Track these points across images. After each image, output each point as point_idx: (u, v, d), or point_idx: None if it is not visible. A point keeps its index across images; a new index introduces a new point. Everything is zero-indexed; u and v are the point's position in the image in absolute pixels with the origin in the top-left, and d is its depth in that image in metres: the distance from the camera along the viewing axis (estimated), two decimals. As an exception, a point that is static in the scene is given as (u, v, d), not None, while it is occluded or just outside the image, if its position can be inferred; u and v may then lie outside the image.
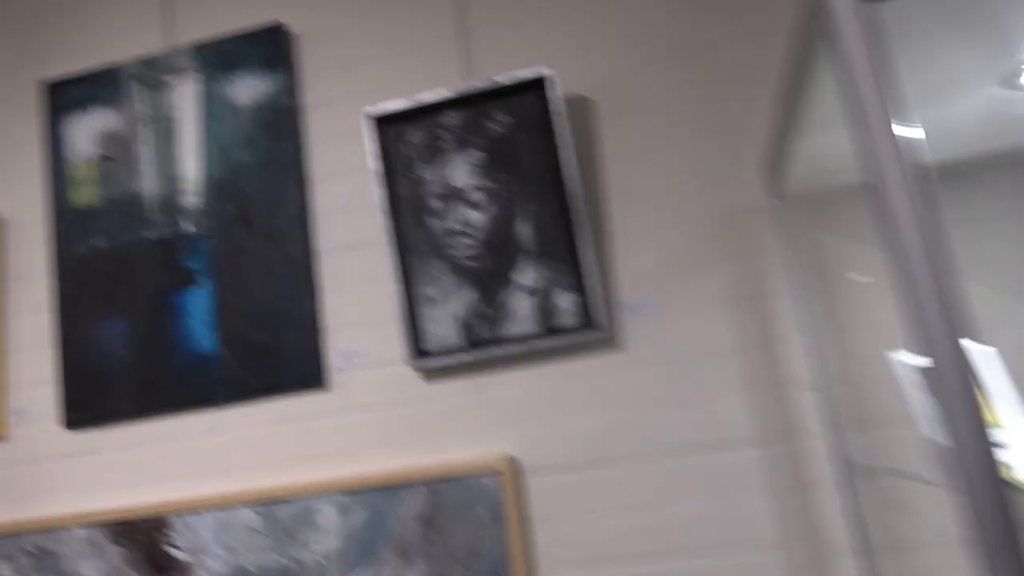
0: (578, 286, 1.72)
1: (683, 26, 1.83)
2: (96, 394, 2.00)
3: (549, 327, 1.73)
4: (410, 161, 1.84)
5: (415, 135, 1.84)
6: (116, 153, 2.09)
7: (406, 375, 1.84)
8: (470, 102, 1.81)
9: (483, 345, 1.77)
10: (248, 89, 2.02)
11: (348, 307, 1.91)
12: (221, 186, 2.00)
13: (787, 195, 1.58)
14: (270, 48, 2.02)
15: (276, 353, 1.90)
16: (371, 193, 1.92)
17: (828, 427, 1.57)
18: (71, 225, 2.09)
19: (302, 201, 1.95)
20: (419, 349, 1.81)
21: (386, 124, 1.86)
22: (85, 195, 2.09)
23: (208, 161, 2.02)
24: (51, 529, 2.00)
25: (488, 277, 1.77)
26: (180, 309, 1.98)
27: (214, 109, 2.04)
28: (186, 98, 2.06)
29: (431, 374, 1.83)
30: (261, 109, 2.00)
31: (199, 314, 1.96)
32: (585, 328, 1.72)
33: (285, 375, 1.89)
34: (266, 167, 1.97)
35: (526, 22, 1.92)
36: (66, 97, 2.15)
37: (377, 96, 1.98)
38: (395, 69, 1.99)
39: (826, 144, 1.28)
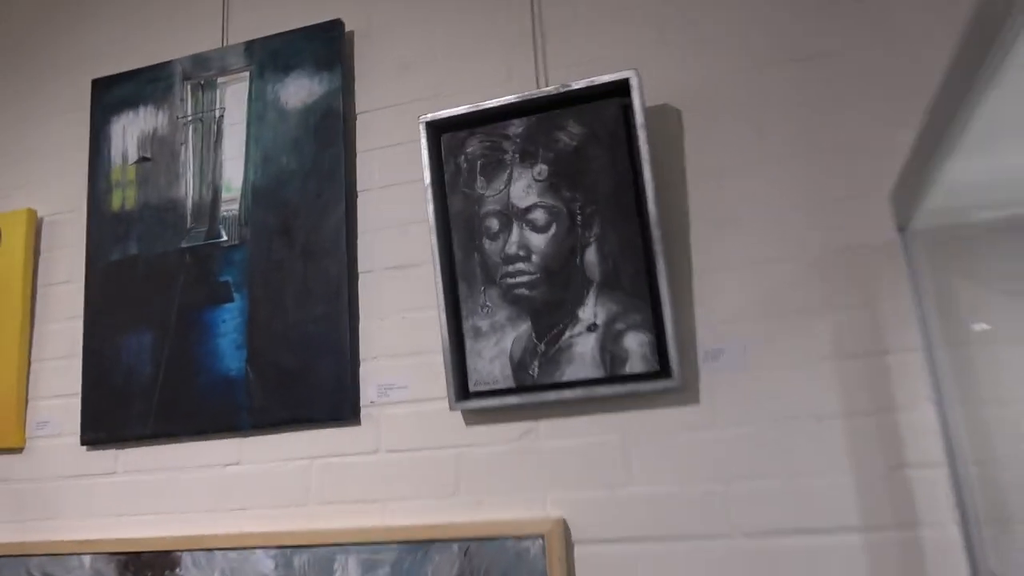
0: (651, 325, 1.47)
1: (790, 27, 1.58)
2: (116, 412, 1.84)
3: (614, 371, 1.48)
4: (467, 174, 1.63)
5: (475, 146, 1.63)
6: (157, 155, 1.96)
7: (446, 415, 1.61)
8: (539, 109, 1.60)
9: (536, 388, 1.53)
10: (299, 90, 1.86)
11: (388, 335, 1.71)
12: (263, 194, 1.83)
13: (921, 229, 1.30)
14: (326, 47, 1.86)
15: (306, 381, 1.70)
16: (421, 209, 1.72)
17: (959, 519, 1.27)
18: (106, 229, 1.96)
19: (346, 215, 1.76)
20: (463, 387, 1.58)
21: (443, 132, 1.66)
22: (122, 198, 1.96)
23: (251, 167, 1.86)
24: (58, 554, 1.84)
25: (547, 310, 1.54)
26: (210, 326, 1.81)
27: (261, 111, 1.88)
28: (234, 99, 1.92)
29: (475, 416, 1.60)
30: (310, 112, 1.84)
31: (229, 332, 1.79)
32: (657, 375, 1.46)
33: (314, 405, 1.69)
34: (311, 176, 1.80)
35: (604, 23, 1.70)
36: (113, 95, 2.04)
37: (437, 102, 1.78)
38: (458, 73, 1.79)
39: (980, 170, 1.00)
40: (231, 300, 1.80)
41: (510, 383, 1.54)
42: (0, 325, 1.99)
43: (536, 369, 1.53)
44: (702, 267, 1.53)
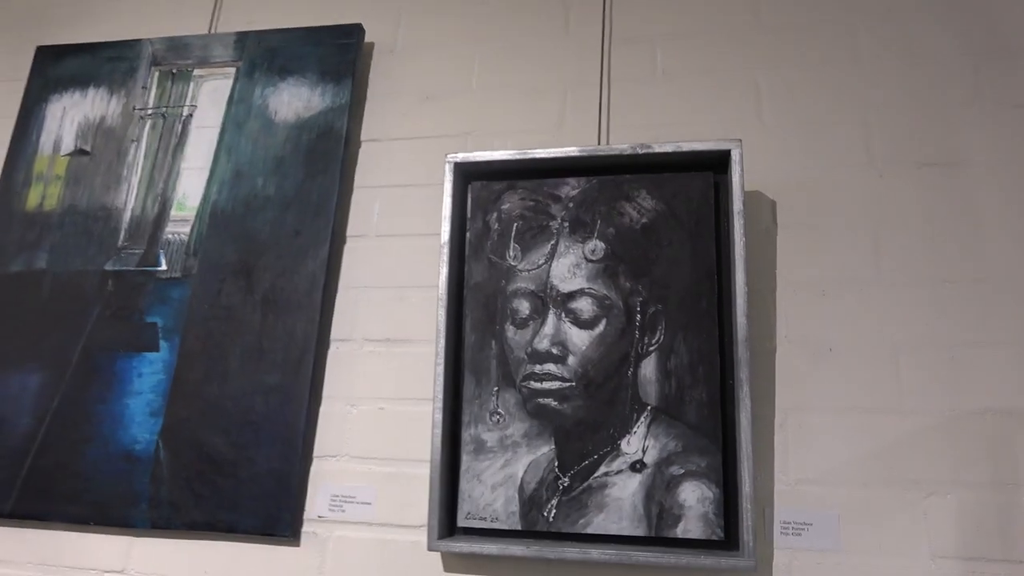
0: (720, 477, 1.09)
1: (918, 126, 1.27)
2: (-30, 474, 1.36)
3: (661, 531, 1.08)
4: (498, 238, 1.25)
5: (513, 202, 1.26)
6: (98, 149, 1.54)
7: (421, 554, 1.19)
8: (603, 170, 1.24)
9: (551, 537, 1.13)
10: (294, 100, 1.48)
11: (357, 428, 1.29)
12: (225, 220, 1.42)
13: None
14: (338, 54, 1.49)
15: (236, 474, 1.26)
16: (429, 271, 1.33)
17: None
18: (12, 231, 1.51)
19: (328, 263, 1.36)
20: (450, 519, 1.16)
21: (473, 179, 1.29)
22: (42, 196, 1.53)
23: (216, 183, 1.45)
24: None
25: (579, 432, 1.15)
26: (121, 379, 1.36)
27: (242, 117, 1.49)
28: (210, 97, 1.52)
29: (460, 562, 1.17)
30: (304, 129, 1.45)
31: (144, 391, 1.35)
32: (720, 546, 1.07)
33: (242, 510, 1.24)
34: (292, 207, 1.40)
35: (690, 83, 1.37)
36: (59, 67, 1.63)
37: (465, 143, 1.42)
38: (497, 112, 1.44)
39: None
40: (155, 349, 1.37)
41: (516, 523, 1.13)
42: None
43: (553, 511, 1.12)
44: (788, 406, 1.16)
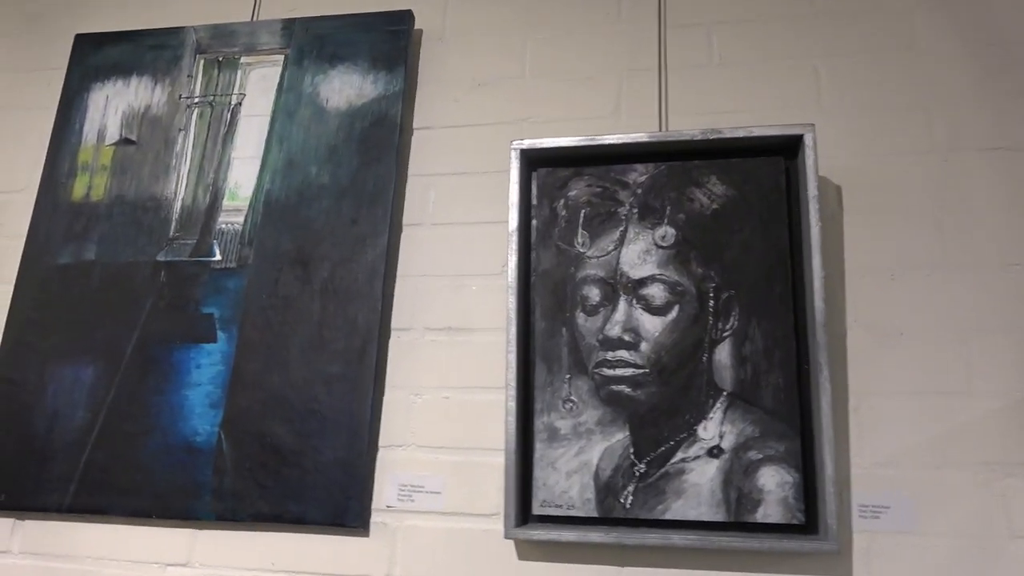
0: (799, 461, 1.09)
1: (980, 112, 1.27)
2: (24, 468, 1.35)
3: (741, 516, 1.08)
4: (566, 225, 1.24)
5: (580, 189, 1.25)
6: (145, 139, 1.52)
7: (495, 542, 1.18)
8: (670, 156, 1.24)
9: (628, 523, 1.12)
10: (345, 88, 1.46)
11: (422, 417, 1.28)
12: (279, 209, 1.41)
13: None
14: (388, 41, 1.48)
15: (301, 464, 1.25)
16: (488, 258, 1.33)
17: None
18: (58, 222, 1.49)
19: (388, 252, 1.35)
20: (525, 507, 1.16)
21: (538, 167, 1.28)
22: (88, 186, 1.51)
23: (269, 172, 1.44)
24: (-98, 660, 1.31)
25: (654, 418, 1.15)
26: (179, 370, 1.35)
27: (292, 105, 1.47)
28: (259, 85, 1.51)
29: (536, 550, 1.17)
30: (357, 117, 1.44)
31: (203, 382, 1.33)
32: (801, 530, 1.08)
33: (308, 500, 1.23)
34: (347, 196, 1.39)
35: (751, 68, 1.37)
36: (100, 56, 1.60)
37: (522, 130, 1.41)
38: (551, 99, 1.43)
39: None
40: (212, 340, 1.35)
41: (592, 510, 1.13)
42: None
43: (630, 497, 1.12)
44: (860, 390, 1.17)
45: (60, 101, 1.59)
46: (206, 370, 1.34)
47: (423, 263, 1.38)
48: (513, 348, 1.19)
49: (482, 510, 1.21)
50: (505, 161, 1.39)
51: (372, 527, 1.24)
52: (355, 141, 1.42)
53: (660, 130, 1.33)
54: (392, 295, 1.36)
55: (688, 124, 1.33)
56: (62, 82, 1.63)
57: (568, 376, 1.19)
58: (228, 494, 1.26)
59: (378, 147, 1.41)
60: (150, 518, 1.29)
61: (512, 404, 1.17)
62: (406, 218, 1.41)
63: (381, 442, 1.28)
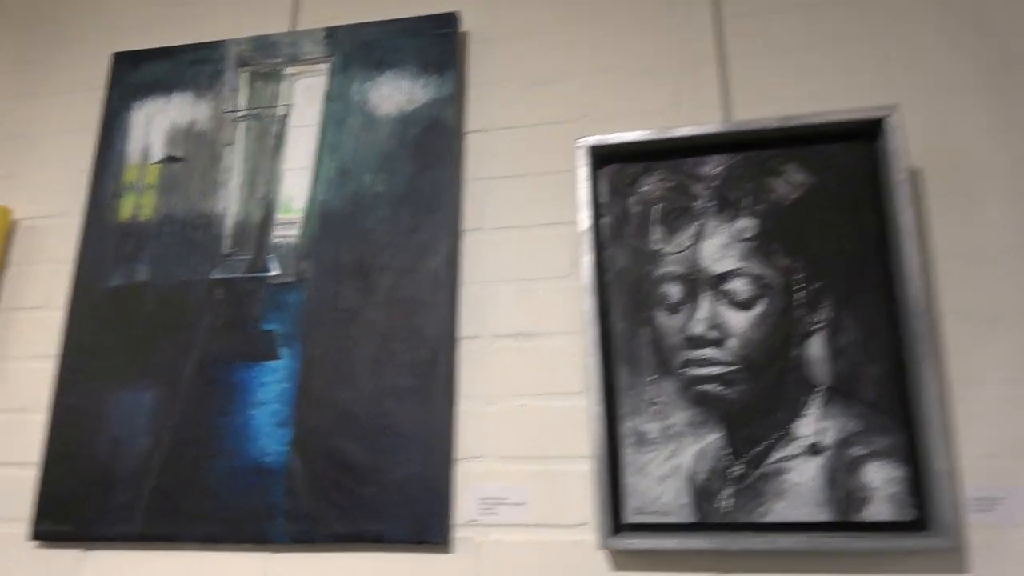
0: (906, 455, 1.05)
1: (1071, 84, 1.23)
2: (88, 497, 1.31)
3: (847, 515, 1.04)
4: (640, 222, 1.20)
5: (652, 185, 1.21)
6: (191, 155, 1.48)
7: (587, 554, 1.14)
8: (744, 146, 1.20)
9: (728, 528, 1.08)
10: (395, 93, 1.43)
11: (498, 427, 1.24)
12: (335, 220, 1.37)
13: None
14: (436, 44, 1.44)
15: (378, 481, 1.21)
16: (555, 261, 1.29)
17: None
18: (107, 244, 1.46)
19: (452, 259, 1.31)
20: (616, 517, 1.11)
21: (606, 163, 1.25)
22: (136, 206, 1.47)
23: (322, 182, 1.40)
24: None
25: (748, 417, 1.10)
26: (242, 390, 1.31)
27: (341, 114, 1.44)
28: (305, 95, 1.47)
29: (630, 560, 1.13)
30: (409, 122, 1.40)
31: (269, 401, 1.29)
32: (911, 527, 1.03)
33: (387, 519, 1.19)
34: (405, 203, 1.35)
35: (811, 53, 1.33)
36: (139, 74, 1.57)
37: (582, 128, 1.37)
38: (609, 95, 1.39)
39: None
40: (275, 357, 1.31)
41: (688, 516, 1.09)
42: (-64, 358, 1.45)
43: (729, 500, 1.08)
44: (960, 378, 1.12)
45: (101, 121, 1.56)
46: (270, 388, 1.30)
47: (486, 269, 1.34)
48: (594, 351, 1.14)
49: (569, 521, 1.17)
50: (565, 160, 1.35)
51: (455, 543, 1.19)
52: (409, 147, 1.39)
53: (725, 122, 1.29)
54: (456, 303, 1.32)
55: (754, 113, 1.30)
56: (102, 102, 1.60)
57: (652, 377, 1.14)
58: (302, 515, 1.22)
59: (433, 152, 1.37)
60: (222, 543, 1.25)
61: (598, 409, 1.12)
62: (465, 224, 1.37)
63: (457, 454, 1.24)
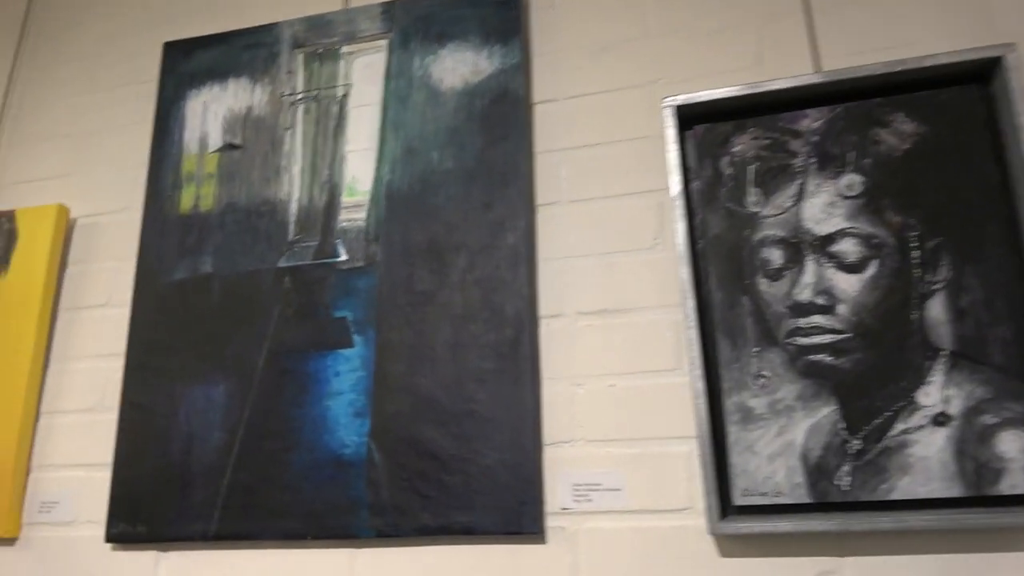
0: (1047, 423, 0.96)
1: None
2: (163, 497, 1.27)
3: (981, 489, 0.95)
4: (734, 184, 1.13)
5: (746, 144, 1.13)
6: (250, 142, 1.44)
7: (693, 539, 1.07)
8: (843, 97, 1.12)
9: (848, 508, 1.00)
10: (459, 66, 1.37)
11: (588, 409, 1.17)
12: (403, 200, 1.31)
13: None
14: (499, 13, 1.38)
15: (464, 470, 1.15)
16: (641, 232, 1.22)
17: None
18: (169, 238, 1.42)
19: (529, 235, 1.25)
20: (725, 499, 1.04)
21: (693, 124, 1.17)
22: (196, 197, 1.43)
23: (387, 162, 1.35)
24: None
25: (864, 387, 1.02)
26: (317, 380, 1.26)
27: (404, 90, 1.38)
28: (365, 73, 1.42)
29: (740, 545, 1.05)
30: (476, 95, 1.34)
31: (345, 391, 1.24)
32: (1056, 501, 0.94)
33: (475, 509, 1.13)
34: (476, 179, 1.29)
35: (910, -2, 1.24)
36: (192, 62, 1.53)
37: (659, 91, 1.30)
38: (684, 56, 1.31)
39: None
40: (349, 345, 1.26)
41: (803, 496, 1.01)
42: (2, 360, 1.42)
43: (848, 477, 1.00)
44: (1096, 338, 1.02)
45: (156, 113, 1.52)
46: (346, 377, 1.25)
47: (564, 244, 1.27)
48: (693, 323, 1.07)
49: (670, 505, 1.10)
50: (643, 126, 1.28)
51: (548, 532, 1.13)
52: (477, 120, 1.32)
53: (821, 72, 1.21)
54: (536, 281, 1.26)
55: (843, 65, 1.21)
56: (155, 94, 1.57)
57: (756, 349, 1.07)
58: (387, 508, 1.17)
59: (503, 124, 1.31)
60: (304, 540, 1.20)
61: (701, 385, 1.05)
62: (539, 198, 1.31)
63: (545, 439, 1.17)
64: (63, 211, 1.52)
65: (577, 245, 1.26)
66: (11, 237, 1.50)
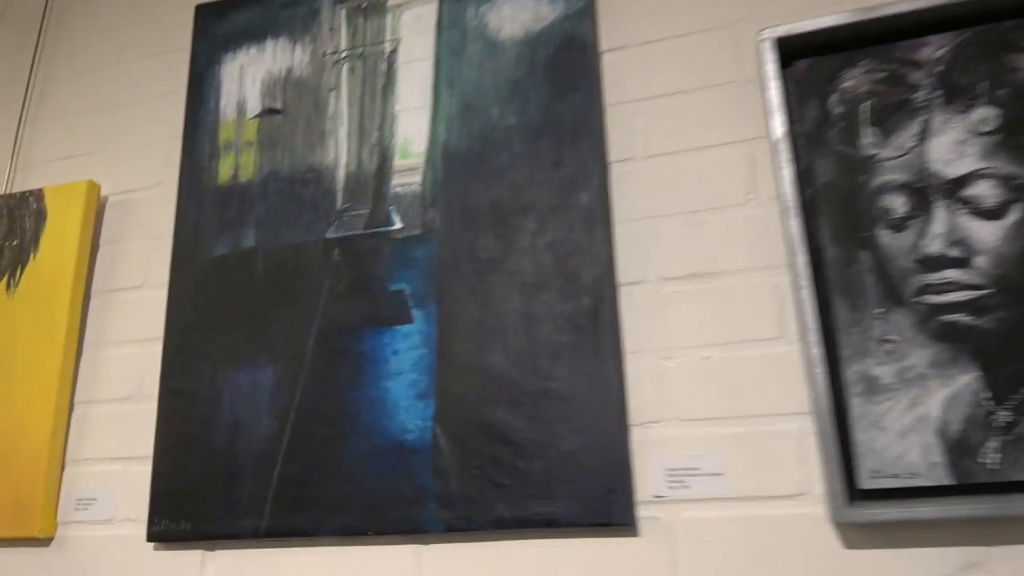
0: None
1: None
2: (208, 491, 1.16)
3: None
4: (846, 124, 0.99)
5: (857, 79, 1.00)
6: (292, 106, 1.32)
7: (807, 529, 0.93)
8: (974, 19, 0.97)
9: (996, 489, 0.86)
10: (518, 13, 1.24)
11: (679, 385, 1.04)
12: (462, 161, 1.19)
13: None
14: (561, -48, 1.25)
15: (544, 456, 1.03)
16: (731, 186, 1.09)
17: None
18: (207, 211, 1.31)
19: (604, 193, 1.12)
20: (850, 482, 0.90)
21: (794, 59, 1.03)
22: (235, 166, 1.32)
23: (443, 121, 1.22)
24: None
25: (1010, 351, 0.88)
26: (373, 360, 1.14)
27: (458, 42, 1.26)
28: (414, 26, 1.30)
29: (869, 534, 0.92)
30: (538, 44, 1.21)
31: (405, 370, 1.12)
32: None
33: (556, 498, 1.01)
34: (542, 135, 1.16)
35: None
36: (226, 24, 1.42)
37: (733, 33, 1.16)
38: (773, -10, 1.17)
39: None
40: (408, 320, 1.14)
41: (942, 477, 0.87)
42: (34, 349, 1.33)
43: (996, 455, 0.86)
44: None
45: (189, 80, 1.41)
46: (405, 356, 1.13)
47: (643, 204, 1.14)
48: (806, 283, 0.94)
49: (782, 491, 0.96)
50: (727, 71, 1.15)
51: (640, 523, 1.00)
52: (540, 71, 1.20)
53: None
54: (612, 244, 1.13)
55: (961, -9, 1.06)
56: (187, 62, 1.46)
57: (880, 311, 0.93)
58: (457, 499, 1.05)
59: (570, 74, 1.18)
60: (364, 536, 1.09)
61: (817, 352, 0.92)
62: (612, 155, 1.18)
63: (632, 420, 1.05)
64: (93, 187, 1.42)
65: (658, 204, 1.13)
66: (40, 217, 1.41)
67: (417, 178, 1.21)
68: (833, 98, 1.00)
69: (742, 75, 1.13)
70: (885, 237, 0.94)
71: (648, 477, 1.01)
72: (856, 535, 0.92)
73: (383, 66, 1.29)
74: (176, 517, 1.17)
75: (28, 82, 1.60)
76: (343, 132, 1.27)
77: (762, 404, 1.00)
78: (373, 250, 1.19)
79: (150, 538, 1.18)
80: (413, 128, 1.24)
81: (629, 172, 1.16)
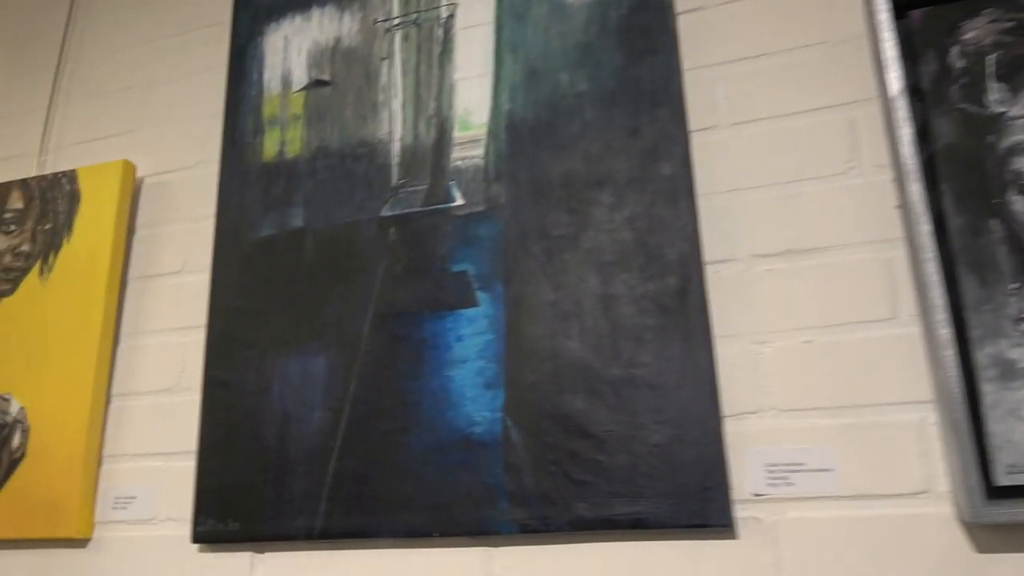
0: None
1: None
2: (257, 489, 1.07)
3: None
4: (969, 81, 0.89)
5: (980, 31, 0.89)
6: (341, 77, 1.24)
7: (931, 531, 0.83)
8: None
9: None
10: (587, -27, 1.15)
11: (778, 374, 0.94)
12: (528, 131, 1.10)
13: None
14: (633, -95, 1.15)
15: (629, 450, 0.93)
16: (829, 154, 0.99)
17: None
18: (251, 191, 1.23)
19: (688, 163, 1.02)
20: (986, 478, 0.80)
21: (912, 6, 0.93)
22: (280, 142, 1.24)
23: (506, 89, 1.13)
24: None
25: None
26: (435, 346, 1.05)
27: (520, 5, 1.17)
28: (472, -11, 1.21)
29: (1005, 537, 0.81)
30: (611, 5, 1.12)
31: (470, 358, 1.03)
32: None
33: (646, 497, 0.91)
34: (617, 102, 1.07)
35: None
36: (269, -7, 1.34)
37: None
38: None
39: None
40: (472, 303, 1.05)
41: (1096, 473, 0.77)
42: (68, 338, 1.25)
43: None
44: None
45: (230, 53, 1.33)
46: (471, 342, 1.04)
47: (729, 175, 1.04)
48: (931, 255, 0.84)
49: (901, 488, 0.86)
50: (820, 30, 1.05)
51: (739, 524, 0.90)
52: (613, 33, 1.10)
53: (1055, -54, 0.96)
54: (697, 220, 1.03)
55: (1086, -64, 0.96)
56: (227, 35, 1.38)
57: (1015, 286, 0.83)
58: (531, 498, 0.95)
59: (647, 35, 1.09)
60: (429, 537, 1.00)
61: (945, 334, 0.81)
62: (692, 123, 1.08)
63: (724, 411, 0.95)
64: (129, 167, 1.34)
65: (746, 175, 1.03)
66: (73, 199, 1.33)
67: (479, 151, 1.12)
68: (954, 51, 0.90)
69: (836, 34, 1.04)
70: (1019, 204, 0.84)
71: (745, 473, 0.92)
72: (990, 537, 0.82)
73: (439, 32, 1.20)
74: (223, 516, 1.09)
75: (59, 60, 1.53)
76: (397, 103, 1.19)
77: (873, 393, 0.90)
78: (432, 228, 1.10)
79: (195, 539, 1.10)
80: (473, 98, 1.15)
81: (711, 142, 1.07)
